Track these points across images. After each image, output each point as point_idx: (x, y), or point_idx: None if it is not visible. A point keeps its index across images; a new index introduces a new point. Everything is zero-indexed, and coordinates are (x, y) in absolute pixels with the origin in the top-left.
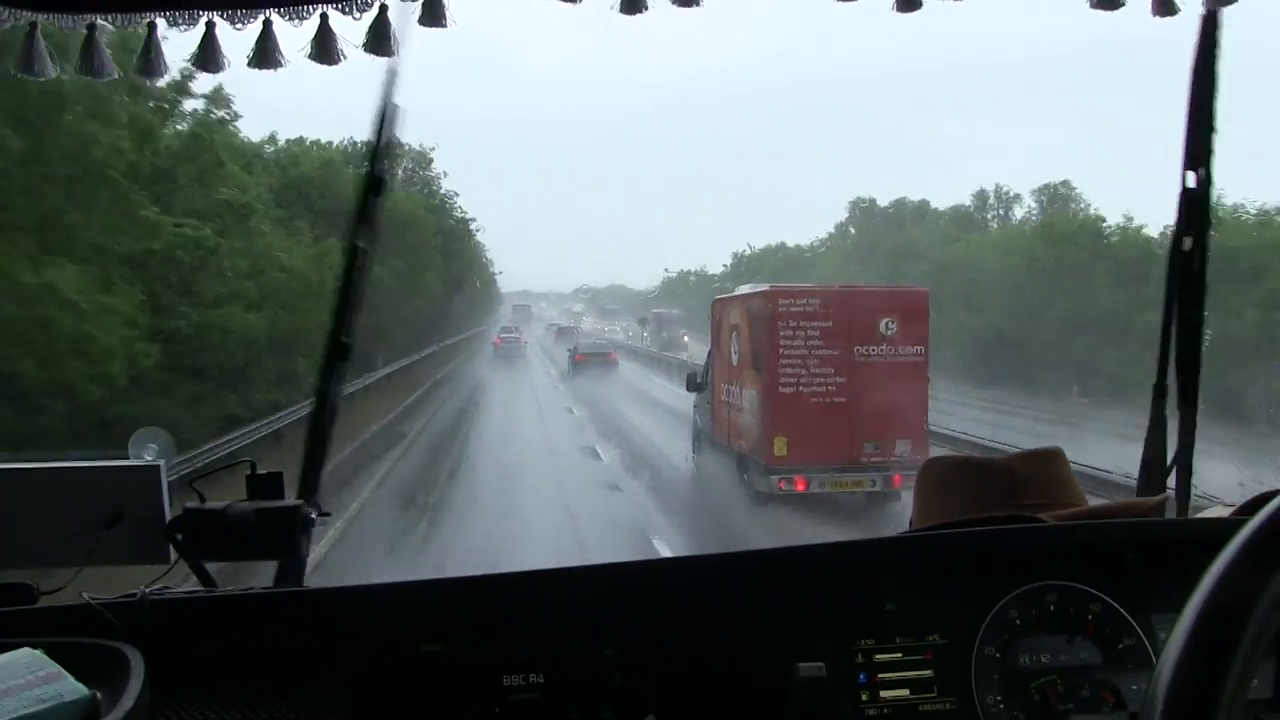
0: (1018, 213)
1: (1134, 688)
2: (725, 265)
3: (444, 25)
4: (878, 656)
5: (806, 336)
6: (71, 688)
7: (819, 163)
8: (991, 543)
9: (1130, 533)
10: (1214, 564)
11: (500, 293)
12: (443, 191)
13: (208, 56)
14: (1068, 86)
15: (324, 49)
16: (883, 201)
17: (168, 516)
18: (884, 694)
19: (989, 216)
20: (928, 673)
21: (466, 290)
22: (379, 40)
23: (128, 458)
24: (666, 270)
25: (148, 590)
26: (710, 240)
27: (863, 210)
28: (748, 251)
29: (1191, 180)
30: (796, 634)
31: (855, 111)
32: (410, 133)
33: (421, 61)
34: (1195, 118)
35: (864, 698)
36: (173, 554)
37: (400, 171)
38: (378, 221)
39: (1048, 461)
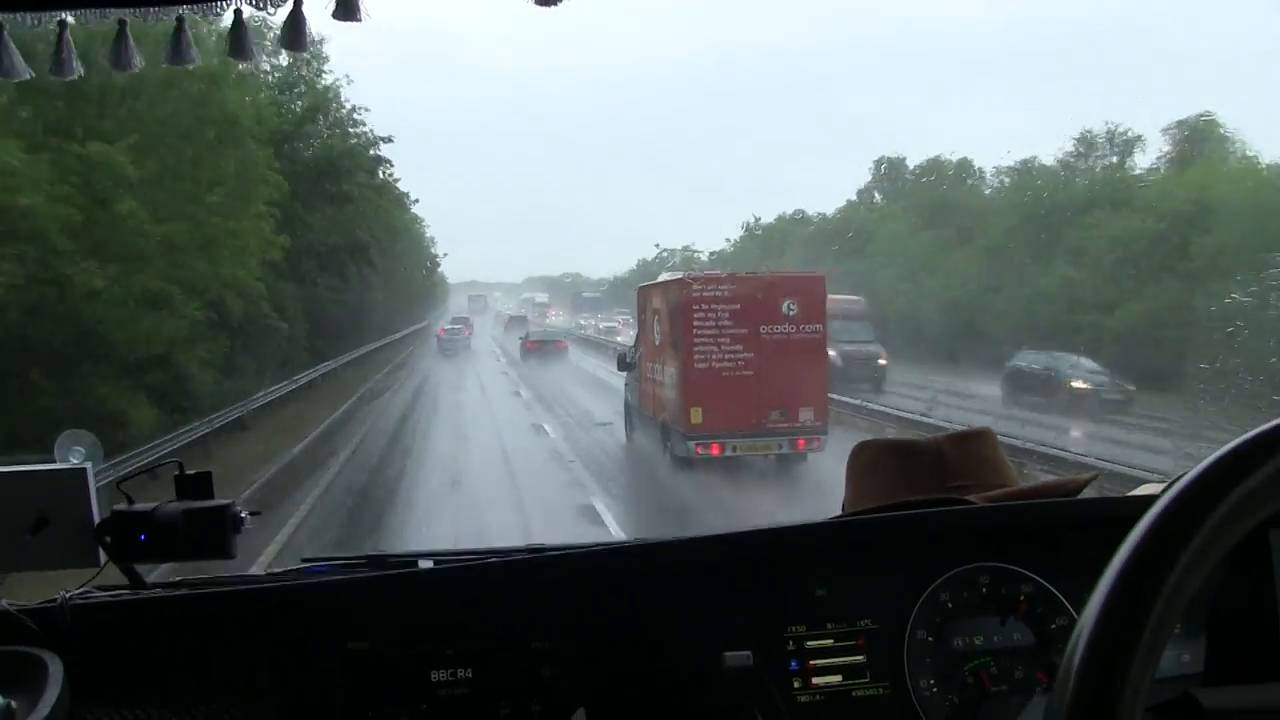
0: (1141, 160)
1: None
2: (729, 240)
3: (358, 19)
4: (809, 643)
5: (717, 318)
6: None
7: (793, 147)
8: (921, 526)
9: (1060, 512)
10: (1127, 538)
11: (447, 283)
12: (329, 87)
13: (120, 54)
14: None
15: (239, 44)
16: (911, 161)
17: (96, 519)
18: (816, 680)
19: (1093, 165)
20: (860, 658)
21: (387, 272)
22: (294, 35)
23: (54, 461)
24: (659, 247)
25: (69, 595)
26: (690, 221)
27: (889, 170)
28: (755, 223)
29: None
30: (726, 622)
31: (822, 91)
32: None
33: (364, 50)
34: None
35: (796, 684)
36: (102, 557)
37: (259, 67)
38: None
39: (977, 442)
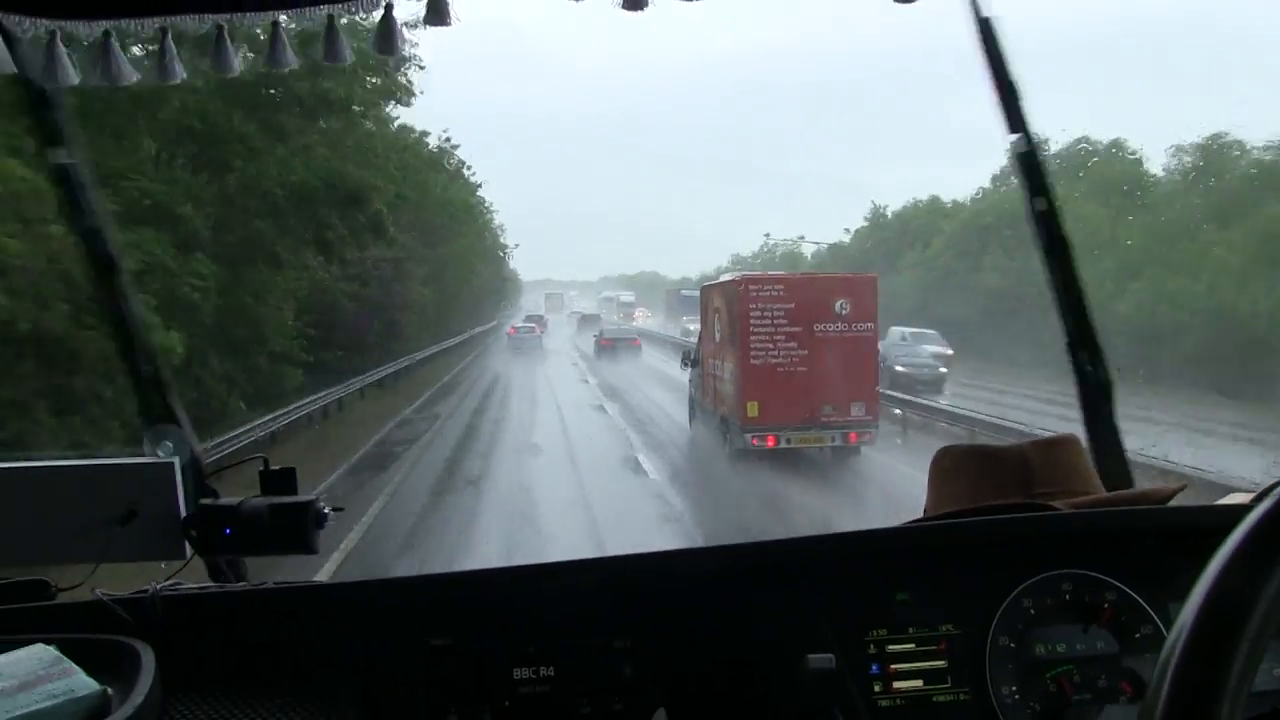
0: None
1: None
2: (848, 231)
3: (448, 24)
4: (890, 647)
5: (773, 316)
6: (83, 683)
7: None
8: (1005, 531)
9: (1147, 520)
10: (1219, 550)
11: (520, 279)
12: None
13: (220, 59)
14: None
15: (332, 48)
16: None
17: (182, 513)
18: (897, 685)
19: None
20: (941, 663)
21: (439, 260)
22: (385, 39)
23: (143, 454)
24: (768, 237)
25: (159, 587)
26: (770, 222)
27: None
28: (879, 210)
29: (1021, 145)
30: (807, 625)
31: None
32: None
33: (435, 43)
34: (1000, 86)
35: (877, 688)
36: (188, 550)
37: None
38: (65, 135)
39: (1062, 449)
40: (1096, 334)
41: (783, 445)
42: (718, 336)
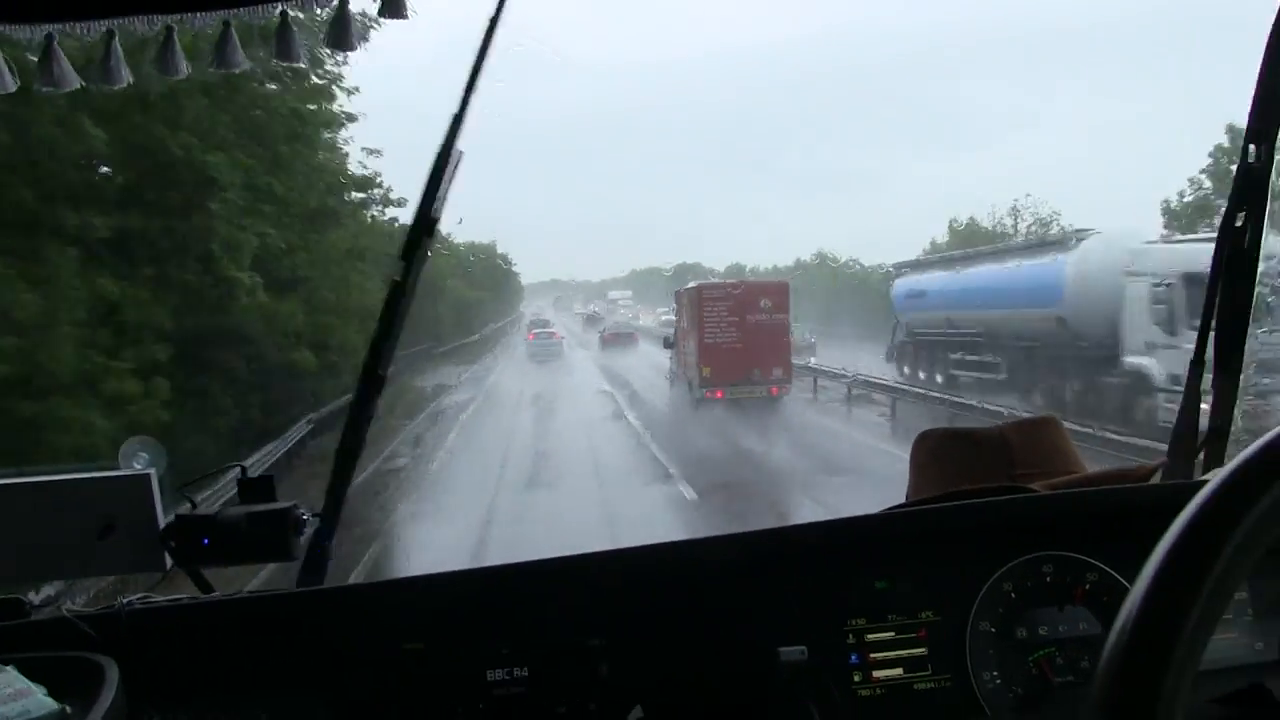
0: None
1: None
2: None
3: (405, 16)
4: (870, 636)
5: (719, 311)
6: (39, 703)
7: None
8: (981, 515)
9: (1124, 499)
10: (1193, 498)
11: (519, 282)
12: None
13: (167, 61)
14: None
15: (284, 46)
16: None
17: (161, 524)
18: (877, 674)
19: None
20: (921, 650)
21: None
22: (339, 34)
23: (118, 468)
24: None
25: (126, 601)
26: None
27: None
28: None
29: (1252, 154)
30: (785, 617)
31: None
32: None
33: (424, 43)
34: (1264, 89)
35: (856, 678)
36: (169, 561)
37: None
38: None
39: (1043, 429)
40: (1242, 355)
41: (727, 397)
42: (686, 325)
